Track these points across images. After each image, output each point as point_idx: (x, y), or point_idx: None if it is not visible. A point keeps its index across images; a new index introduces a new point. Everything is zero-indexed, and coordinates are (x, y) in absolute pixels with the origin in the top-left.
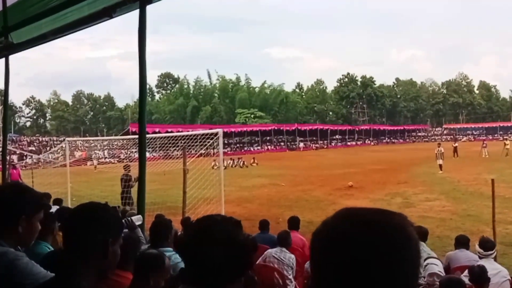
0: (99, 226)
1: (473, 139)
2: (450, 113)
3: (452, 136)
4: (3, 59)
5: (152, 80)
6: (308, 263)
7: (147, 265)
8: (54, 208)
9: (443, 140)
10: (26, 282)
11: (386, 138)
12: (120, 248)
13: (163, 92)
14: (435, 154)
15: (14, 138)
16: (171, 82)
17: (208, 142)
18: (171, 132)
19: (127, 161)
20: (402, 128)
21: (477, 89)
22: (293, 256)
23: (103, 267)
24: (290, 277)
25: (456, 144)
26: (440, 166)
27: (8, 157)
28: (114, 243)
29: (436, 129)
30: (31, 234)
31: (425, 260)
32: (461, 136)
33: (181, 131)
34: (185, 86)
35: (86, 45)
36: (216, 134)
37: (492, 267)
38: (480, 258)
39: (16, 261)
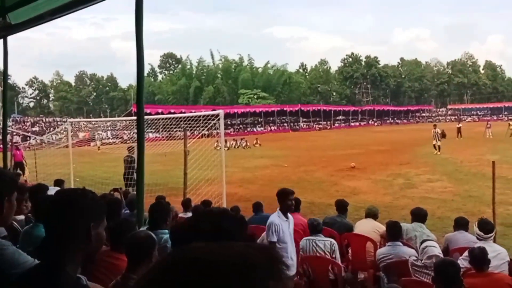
0: (79, 212)
1: (477, 120)
2: (455, 93)
3: (456, 117)
4: (1, 40)
5: (154, 60)
6: (303, 241)
7: (137, 247)
8: (54, 190)
9: (447, 120)
10: (13, 271)
11: (390, 119)
12: (117, 231)
13: (166, 72)
14: (432, 136)
15: (17, 119)
16: (173, 62)
17: (210, 123)
18: (174, 113)
19: (130, 142)
20: (406, 108)
21: (482, 69)
22: None
23: (89, 251)
24: None
25: (460, 125)
26: (438, 147)
27: (11, 138)
28: (97, 226)
29: (440, 110)
30: (12, 213)
31: (422, 242)
32: (465, 117)
33: (184, 112)
34: (188, 67)
35: (88, 25)
36: (218, 115)
37: (491, 249)
38: (479, 240)
39: (1, 251)
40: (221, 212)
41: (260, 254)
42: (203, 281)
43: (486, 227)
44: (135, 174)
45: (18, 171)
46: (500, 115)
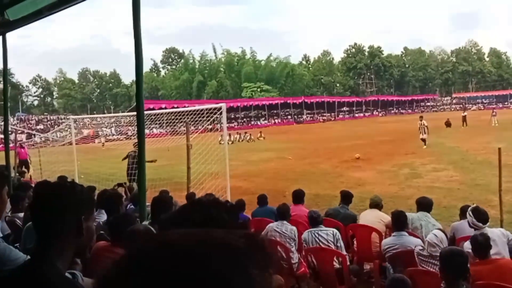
0: (69, 204)
1: (482, 108)
2: (460, 82)
3: (461, 105)
4: (0, 38)
5: (157, 55)
6: (305, 233)
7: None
8: None
9: (452, 109)
10: (5, 268)
11: (394, 109)
12: (116, 226)
13: (169, 67)
14: (418, 128)
15: (22, 117)
16: (176, 57)
17: (213, 116)
18: (177, 107)
19: (134, 138)
20: (410, 98)
21: (487, 57)
22: (294, 228)
23: (79, 245)
24: (293, 249)
25: (465, 113)
26: (424, 140)
27: (15, 136)
28: (88, 219)
29: (445, 99)
30: (3, 208)
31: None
32: (470, 105)
33: (187, 107)
34: (191, 61)
35: (90, 22)
36: (220, 108)
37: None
38: (475, 230)
39: None
40: (211, 201)
41: (242, 240)
42: (175, 267)
43: (482, 216)
44: None
45: (23, 169)
46: (506, 103)
